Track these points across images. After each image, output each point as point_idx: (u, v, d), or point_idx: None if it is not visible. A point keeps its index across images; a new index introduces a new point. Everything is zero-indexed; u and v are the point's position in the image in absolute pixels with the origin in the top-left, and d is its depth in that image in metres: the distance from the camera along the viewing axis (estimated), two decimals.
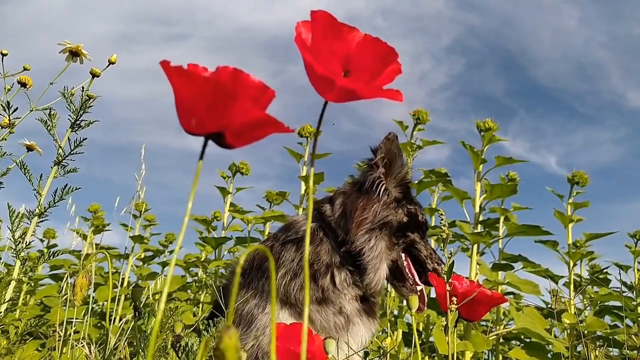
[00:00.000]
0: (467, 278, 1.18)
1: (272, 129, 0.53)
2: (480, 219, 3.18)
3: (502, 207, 3.36)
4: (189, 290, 4.07)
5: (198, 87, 0.49)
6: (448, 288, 1.08)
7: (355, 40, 0.58)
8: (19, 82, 1.75)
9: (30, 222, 1.51)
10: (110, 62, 1.71)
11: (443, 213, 1.25)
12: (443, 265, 1.75)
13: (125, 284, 3.72)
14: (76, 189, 1.57)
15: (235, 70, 0.51)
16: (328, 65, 0.57)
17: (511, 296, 3.95)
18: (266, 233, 4.09)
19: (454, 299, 1.08)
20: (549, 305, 3.38)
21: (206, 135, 0.54)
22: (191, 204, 0.52)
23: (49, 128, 1.55)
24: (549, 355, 3.05)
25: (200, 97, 0.50)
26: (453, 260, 1.08)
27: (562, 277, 3.51)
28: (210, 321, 1.30)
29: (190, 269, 4.42)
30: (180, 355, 1.08)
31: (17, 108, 1.77)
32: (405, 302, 3.20)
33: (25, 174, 1.52)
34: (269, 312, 1.66)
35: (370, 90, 0.56)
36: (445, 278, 1.08)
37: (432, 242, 3.76)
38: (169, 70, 0.50)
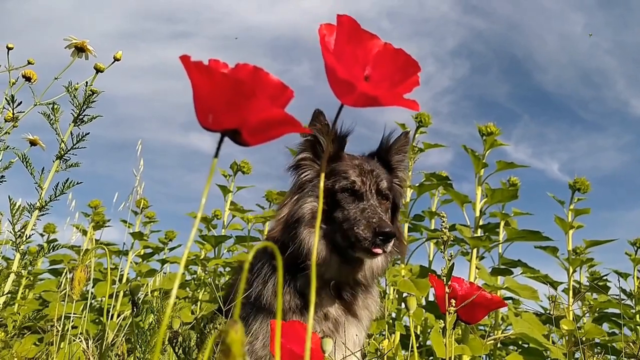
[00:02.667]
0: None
1: (290, 129, 0.53)
2: (481, 223, 3.17)
3: (503, 211, 3.36)
4: (187, 288, 4.07)
5: (217, 83, 0.49)
6: (447, 290, 1.08)
7: (376, 47, 0.59)
8: (23, 76, 1.76)
9: (31, 215, 1.51)
10: (116, 59, 1.71)
11: (445, 216, 1.25)
12: (376, 219, 1.64)
13: (124, 280, 3.72)
14: (77, 183, 1.57)
15: (255, 68, 0.50)
16: (350, 70, 0.57)
17: (510, 301, 3.94)
18: (265, 232, 4.09)
19: (453, 301, 1.08)
20: (548, 311, 3.38)
21: (222, 131, 0.53)
22: (205, 199, 0.52)
23: (52, 122, 1.55)
24: None
25: (218, 93, 0.50)
26: (453, 263, 1.08)
27: (561, 283, 3.50)
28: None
29: (189, 266, 4.42)
30: (177, 351, 1.09)
31: (20, 102, 1.77)
32: (403, 305, 3.20)
33: (27, 167, 1.52)
34: (258, 319, 1.69)
35: (391, 98, 0.56)
36: (445, 280, 1.08)
37: (432, 246, 3.76)
38: (189, 65, 0.50)
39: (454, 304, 1.09)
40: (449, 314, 1.08)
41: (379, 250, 1.63)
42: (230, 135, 0.53)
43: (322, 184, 0.60)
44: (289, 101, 0.52)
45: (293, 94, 0.51)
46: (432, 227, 3.66)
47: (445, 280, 1.08)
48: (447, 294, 1.09)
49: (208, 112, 0.52)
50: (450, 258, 1.10)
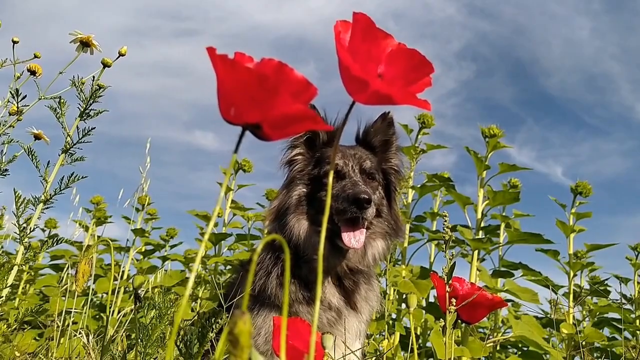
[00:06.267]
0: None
1: (311, 125, 0.53)
2: (482, 225, 3.17)
3: (504, 214, 3.36)
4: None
5: (241, 77, 0.49)
6: (448, 289, 1.08)
7: (389, 47, 0.59)
8: (28, 70, 1.76)
9: (36, 208, 1.52)
10: (121, 54, 1.72)
11: (447, 216, 1.25)
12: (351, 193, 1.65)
13: (125, 276, 3.73)
14: (82, 177, 1.57)
15: (280, 63, 0.50)
16: (365, 67, 0.57)
17: (510, 304, 3.94)
18: (266, 231, 4.09)
19: (454, 300, 1.08)
20: (548, 315, 3.37)
21: (244, 125, 0.53)
22: (223, 192, 0.53)
23: (58, 116, 1.56)
24: None
25: (242, 87, 0.50)
26: (454, 262, 1.09)
27: (561, 286, 3.50)
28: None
29: (190, 264, 4.42)
30: (178, 344, 1.09)
31: (25, 96, 1.78)
32: (403, 305, 3.20)
33: (32, 160, 1.53)
34: (261, 314, 1.71)
35: (404, 97, 0.57)
36: (446, 279, 1.08)
37: (433, 247, 3.76)
38: (214, 58, 0.50)
39: (454, 303, 1.09)
40: (449, 312, 1.08)
41: (350, 236, 1.65)
42: (252, 129, 0.53)
43: (330, 179, 0.60)
44: (312, 98, 0.51)
45: (317, 91, 0.51)
46: (434, 228, 3.67)
47: (446, 279, 1.08)
48: (447, 293, 1.09)
49: (231, 106, 0.52)
50: (451, 257, 1.10)
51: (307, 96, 0.51)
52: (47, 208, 1.53)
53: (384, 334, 2.92)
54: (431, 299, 3.34)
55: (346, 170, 1.80)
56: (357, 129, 2.00)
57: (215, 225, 4.26)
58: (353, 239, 1.66)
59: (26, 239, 1.50)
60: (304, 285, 1.74)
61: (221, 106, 0.53)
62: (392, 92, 0.55)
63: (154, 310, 1.42)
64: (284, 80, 0.50)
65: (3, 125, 1.66)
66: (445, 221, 1.20)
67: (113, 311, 3.11)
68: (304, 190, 1.83)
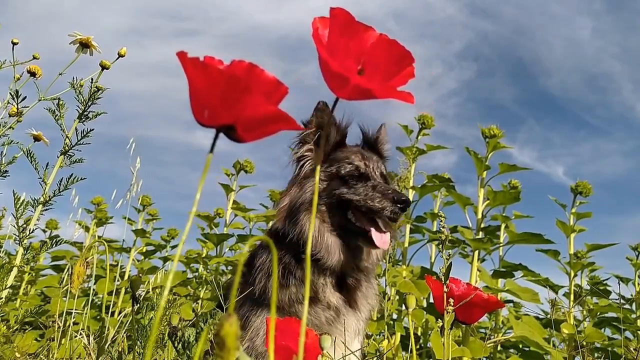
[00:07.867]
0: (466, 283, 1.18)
1: (284, 125, 0.54)
2: (482, 225, 3.17)
3: (504, 214, 3.36)
4: (189, 286, 4.08)
5: (212, 79, 0.50)
6: (446, 289, 1.08)
7: (371, 39, 0.59)
8: (28, 72, 1.77)
9: (35, 210, 1.52)
10: (120, 55, 1.73)
11: (443, 216, 1.25)
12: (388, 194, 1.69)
13: (125, 277, 3.74)
14: (81, 179, 1.58)
15: (250, 64, 0.51)
16: (343, 63, 0.57)
17: (510, 304, 3.94)
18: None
19: (451, 300, 1.08)
20: (548, 315, 3.37)
21: (218, 127, 0.54)
22: (199, 195, 0.53)
23: (57, 118, 1.56)
24: None
25: (214, 89, 0.51)
26: (451, 262, 1.09)
27: (562, 287, 3.49)
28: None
29: (191, 264, 4.43)
30: (176, 345, 1.10)
31: (25, 97, 1.79)
32: (404, 306, 3.20)
33: (31, 162, 1.53)
34: (260, 315, 1.71)
35: (384, 91, 0.56)
36: (443, 279, 1.08)
37: (433, 247, 3.76)
38: (185, 61, 0.51)
39: (452, 303, 1.09)
40: (447, 313, 1.08)
41: (380, 236, 1.69)
42: (226, 131, 0.54)
43: (317, 178, 0.60)
44: (283, 97, 0.52)
45: (287, 90, 0.52)
46: (434, 229, 3.66)
47: (443, 279, 1.09)
48: (445, 293, 1.09)
49: (204, 108, 0.53)
50: (448, 257, 1.10)
51: (278, 95, 0.52)
52: (47, 210, 1.54)
53: (384, 334, 2.92)
54: (432, 300, 3.34)
55: (368, 171, 1.83)
56: (367, 137, 2.06)
57: (217, 225, 4.27)
58: (383, 239, 1.69)
59: (26, 240, 1.51)
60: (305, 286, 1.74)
61: (194, 109, 0.54)
62: (373, 86, 0.55)
63: (152, 310, 1.42)
64: (255, 81, 0.51)
65: (3, 126, 1.66)
66: (442, 221, 1.21)
67: (113, 312, 3.13)
68: (319, 186, 1.83)
